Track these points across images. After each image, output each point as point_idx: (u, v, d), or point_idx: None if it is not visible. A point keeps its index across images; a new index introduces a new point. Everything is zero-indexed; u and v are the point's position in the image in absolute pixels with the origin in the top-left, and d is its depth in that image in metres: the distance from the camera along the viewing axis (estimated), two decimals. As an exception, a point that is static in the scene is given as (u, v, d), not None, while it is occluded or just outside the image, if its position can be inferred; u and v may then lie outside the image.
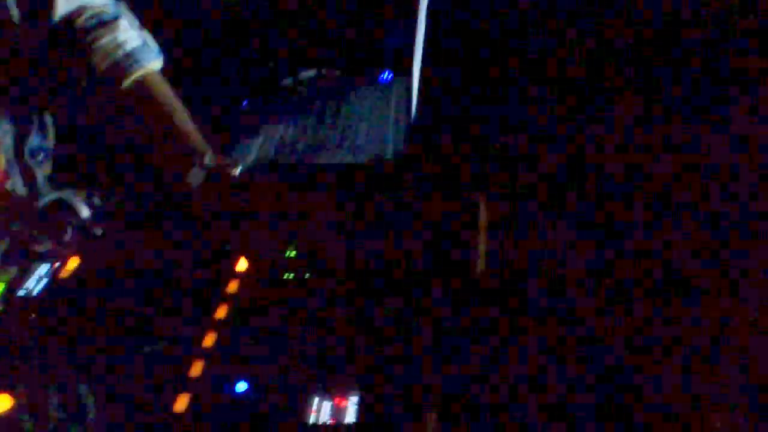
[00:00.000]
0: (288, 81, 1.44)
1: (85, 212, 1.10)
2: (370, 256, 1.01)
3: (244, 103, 1.41)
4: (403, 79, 1.40)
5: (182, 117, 1.12)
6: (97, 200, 1.14)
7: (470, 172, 1.17)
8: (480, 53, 1.30)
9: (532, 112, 1.20)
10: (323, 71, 1.46)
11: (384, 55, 1.48)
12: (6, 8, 1.12)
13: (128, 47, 1.15)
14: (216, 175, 1.06)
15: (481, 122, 1.25)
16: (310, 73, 1.45)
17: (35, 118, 1.24)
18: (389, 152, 1.21)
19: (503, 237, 1.07)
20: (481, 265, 1.00)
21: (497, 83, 1.26)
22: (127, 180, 1.25)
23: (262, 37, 1.53)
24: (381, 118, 1.31)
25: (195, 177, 1.06)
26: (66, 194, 1.17)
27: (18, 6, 1.13)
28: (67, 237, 1.05)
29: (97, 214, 1.10)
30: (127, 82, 1.14)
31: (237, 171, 1.07)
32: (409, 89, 1.38)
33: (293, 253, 1.03)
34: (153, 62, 1.17)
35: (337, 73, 1.46)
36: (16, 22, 1.13)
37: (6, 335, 0.90)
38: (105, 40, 1.15)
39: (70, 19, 1.16)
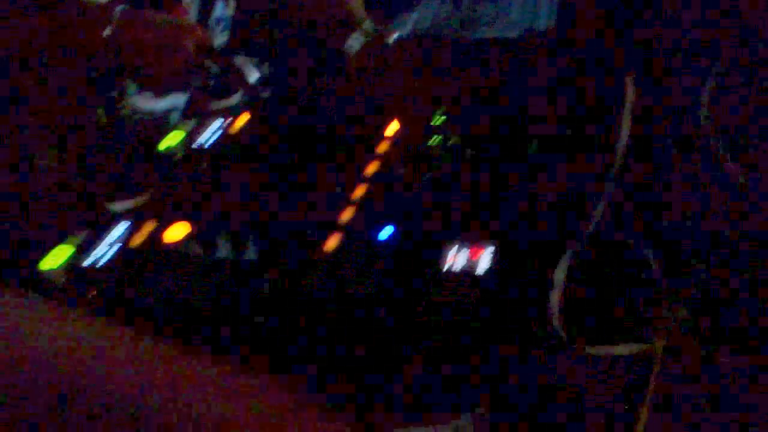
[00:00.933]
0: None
1: (254, 76, 1.21)
2: (512, 124, 1.04)
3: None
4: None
5: None
6: (264, 67, 1.24)
7: (619, 53, 1.15)
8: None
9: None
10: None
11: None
12: None
13: None
14: (373, 41, 1.12)
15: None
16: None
17: None
18: (541, 26, 1.23)
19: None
20: (621, 146, 1.00)
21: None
22: (290, 46, 1.34)
23: None
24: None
25: (354, 42, 1.12)
26: (238, 60, 1.28)
27: None
28: (238, 96, 1.15)
29: (264, 78, 1.20)
30: None
31: (393, 37, 1.13)
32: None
33: (442, 119, 1.08)
34: None
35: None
36: None
37: (184, 176, 1.01)
38: None
39: None
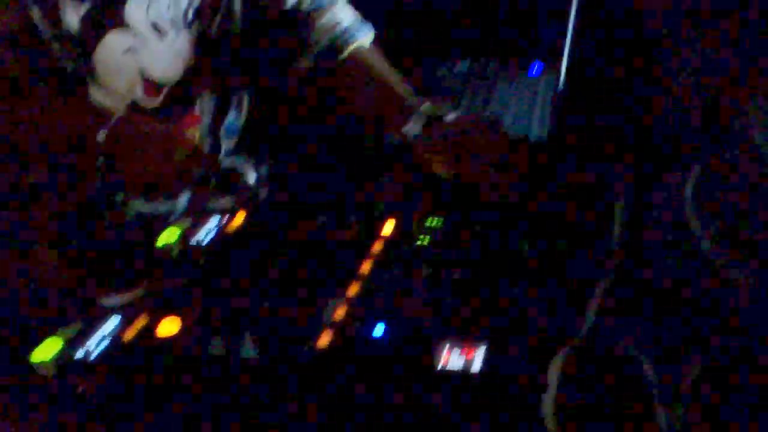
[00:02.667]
0: (443, 70, 1.53)
1: (252, 177, 1.23)
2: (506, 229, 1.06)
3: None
4: (552, 69, 1.45)
5: (396, 76, 1.27)
6: (263, 168, 1.27)
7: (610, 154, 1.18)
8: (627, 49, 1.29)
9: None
10: (477, 62, 1.53)
11: (536, 48, 1.53)
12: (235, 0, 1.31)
13: (345, 24, 1.32)
14: (432, 123, 1.19)
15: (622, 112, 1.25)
16: (464, 63, 1.54)
17: (235, 99, 1.40)
18: (534, 133, 1.27)
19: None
20: (614, 241, 1.00)
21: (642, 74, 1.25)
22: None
23: (421, 29, 1.63)
24: (528, 103, 1.37)
25: (413, 127, 1.19)
26: (239, 161, 1.31)
27: None
28: (236, 197, 1.17)
29: (263, 180, 1.23)
30: (344, 55, 1.29)
31: (452, 115, 1.18)
32: (557, 78, 1.42)
33: (436, 222, 1.10)
34: (367, 36, 1.33)
35: (490, 64, 1.53)
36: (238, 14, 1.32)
37: (180, 272, 1.02)
38: (324, 20, 1.31)
39: (296, 5, 1.33)
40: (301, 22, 1.33)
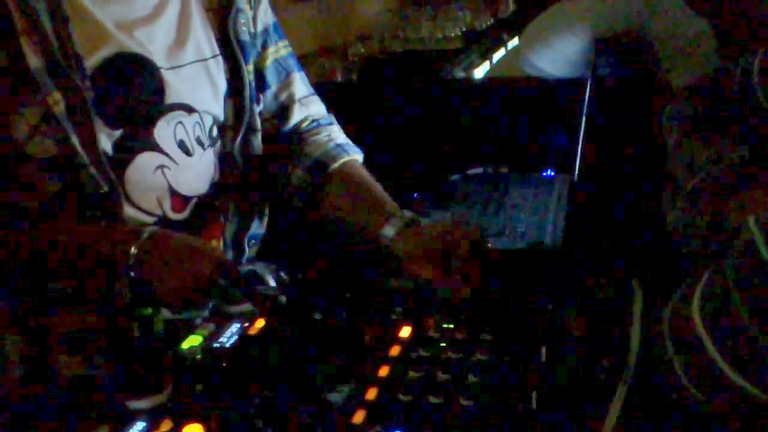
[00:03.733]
0: (457, 176, 1.58)
1: (272, 283, 1.26)
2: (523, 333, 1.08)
3: (415, 195, 1.55)
4: (564, 175, 1.50)
5: (379, 188, 1.36)
6: (283, 274, 1.31)
7: (625, 261, 1.21)
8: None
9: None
10: (490, 168, 1.59)
11: (548, 155, 1.59)
12: (255, 118, 1.40)
13: (338, 141, 1.45)
14: (409, 227, 1.25)
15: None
16: (478, 169, 1.59)
17: (257, 210, 1.47)
18: (548, 240, 1.30)
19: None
20: (632, 356, 1.02)
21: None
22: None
23: (436, 139, 1.69)
24: (542, 210, 1.41)
25: (390, 230, 1.26)
26: (259, 267, 1.35)
27: (263, 117, 1.44)
28: (257, 302, 1.19)
29: (283, 286, 1.26)
30: (335, 166, 1.38)
31: (425, 221, 1.25)
32: (569, 185, 1.47)
33: (450, 325, 1.12)
34: (356, 154, 1.44)
35: (503, 170, 1.58)
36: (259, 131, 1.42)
37: (203, 378, 1.04)
38: (320, 136, 1.45)
39: (297, 125, 1.43)
40: (299, 138, 1.45)
